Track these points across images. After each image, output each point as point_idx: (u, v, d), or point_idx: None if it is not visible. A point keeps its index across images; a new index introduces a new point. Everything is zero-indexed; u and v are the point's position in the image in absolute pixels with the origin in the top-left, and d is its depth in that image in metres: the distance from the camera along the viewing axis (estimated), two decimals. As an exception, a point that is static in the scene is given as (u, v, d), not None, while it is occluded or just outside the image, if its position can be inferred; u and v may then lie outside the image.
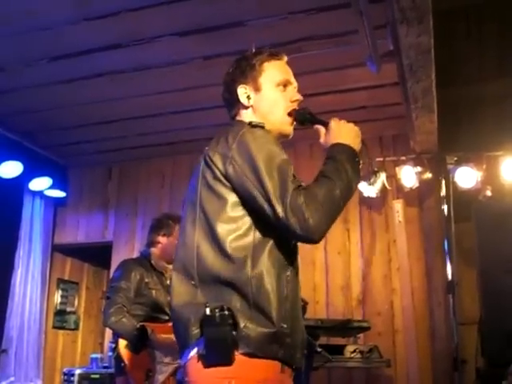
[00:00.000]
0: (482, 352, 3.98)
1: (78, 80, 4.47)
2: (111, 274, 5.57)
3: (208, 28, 3.80)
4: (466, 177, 4.79)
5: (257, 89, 1.93)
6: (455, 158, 4.85)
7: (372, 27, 3.28)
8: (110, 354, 5.38)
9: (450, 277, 4.79)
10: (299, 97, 1.98)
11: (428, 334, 4.86)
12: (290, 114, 1.95)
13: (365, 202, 5.18)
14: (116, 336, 3.67)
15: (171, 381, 3.64)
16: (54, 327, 6.30)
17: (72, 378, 5.21)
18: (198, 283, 1.67)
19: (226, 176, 1.70)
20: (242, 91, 1.94)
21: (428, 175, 5.02)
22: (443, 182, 4.98)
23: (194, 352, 1.61)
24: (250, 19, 3.71)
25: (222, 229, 1.68)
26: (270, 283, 1.64)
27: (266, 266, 1.65)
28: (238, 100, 1.95)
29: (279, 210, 1.59)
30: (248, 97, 1.93)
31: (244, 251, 1.65)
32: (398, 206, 5.18)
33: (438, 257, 4.97)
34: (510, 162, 4.69)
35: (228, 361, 1.55)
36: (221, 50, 4.02)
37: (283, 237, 1.71)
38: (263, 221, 1.67)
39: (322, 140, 1.90)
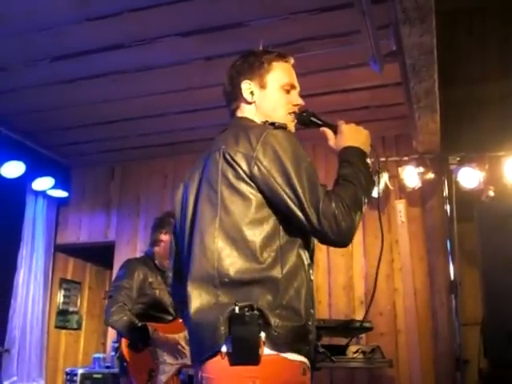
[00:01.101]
0: (484, 352, 3.98)
1: (80, 80, 4.48)
2: (114, 274, 5.59)
3: (210, 28, 3.79)
4: (469, 177, 4.79)
5: (262, 86, 1.93)
6: (458, 159, 4.85)
7: (375, 27, 3.27)
8: (113, 353, 5.39)
9: (452, 277, 4.79)
10: (301, 102, 1.99)
11: (430, 334, 4.85)
12: (289, 114, 1.96)
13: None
14: (119, 336, 3.67)
15: (174, 381, 3.65)
16: (57, 327, 6.31)
17: (74, 378, 5.21)
18: (220, 285, 1.64)
19: (250, 177, 1.69)
20: (246, 86, 1.93)
21: (430, 175, 5.01)
22: (446, 182, 4.98)
23: (219, 350, 1.59)
24: (252, 19, 3.70)
25: (249, 230, 1.66)
26: (298, 282, 1.67)
27: (293, 266, 1.68)
28: (241, 94, 1.94)
29: (313, 217, 1.61)
30: (251, 92, 1.92)
31: (272, 252, 1.66)
32: (400, 206, 5.17)
33: (440, 257, 4.97)
34: (512, 163, 4.69)
35: (254, 361, 1.55)
36: (223, 50, 4.02)
37: (306, 237, 1.75)
38: (289, 222, 1.69)
39: (330, 143, 1.91)
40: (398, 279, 5.04)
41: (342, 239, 1.64)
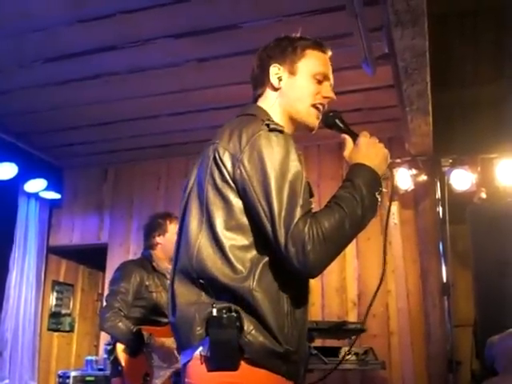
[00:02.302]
0: (476, 354, 3.99)
1: (73, 81, 4.47)
2: (107, 276, 5.57)
3: (203, 30, 3.80)
4: (461, 179, 4.81)
5: (292, 72, 1.80)
6: (450, 161, 4.87)
7: (367, 30, 3.28)
8: (105, 356, 5.37)
9: (444, 279, 4.80)
10: (333, 95, 1.85)
11: (423, 336, 4.86)
12: (314, 107, 1.82)
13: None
14: (114, 340, 3.66)
15: None
16: (49, 329, 6.29)
17: (67, 381, 5.19)
18: (200, 285, 1.58)
19: (233, 180, 1.58)
20: (275, 70, 1.80)
21: (423, 177, 5.03)
22: (438, 184, 4.99)
23: (197, 353, 1.52)
24: (245, 22, 3.71)
25: (226, 237, 1.56)
26: (272, 299, 1.53)
27: (269, 281, 1.54)
28: (268, 79, 1.81)
29: (281, 237, 1.46)
30: (279, 78, 1.80)
31: (248, 263, 1.54)
32: (393, 208, 5.19)
33: (433, 259, 4.98)
34: (504, 165, 4.71)
35: (233, 366, 1.47)
36: (216, 52, 4.03)
37: None
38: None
39: (346, 153, 1.75)
40: (390, 281, 5.05)
41: (306, 270, 1.48)
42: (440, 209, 4.95)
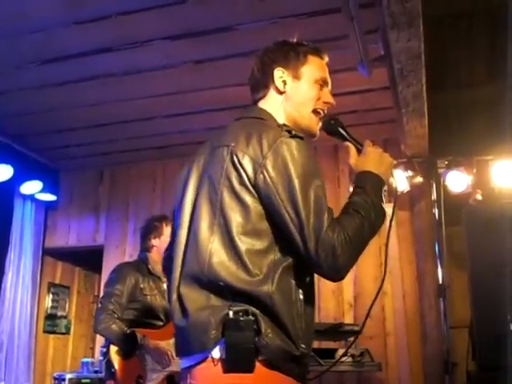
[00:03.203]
0: (472, 355, 3.99)
1: (70, 83, 4.46)
2: (103, 278, 5.56)
3: (199, 32, 3.80)
4: (457, 181, 4.82)
5: (296, 77, 1.84)
6: (446, 162, 4.87)
7: (363, 32, 3.29)
8: (101, 358, 5.35)
9: (440, 280, 4.81)
10: (333, 101, 1.92)
11: (419, 337, 4.87)
12: (315, 112, 1.88)
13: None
14: (108, 342, 3.65)
15: None
16: (45, 331, 6.28)
17: (63, 383, 5.18)
18: (211, 289, 1.57)
19: (254, 185, 1.58)
20: (280, 74, 1.84)
21: (419, 179, 5.03)
22: (434, 185, 5.00)
23: (210, 355, 1.52)
24: (242, 23, 3.71)
25: (243, 242, 1.56)
26: (289, 302, 1.57)
27: (287, 285, 1.58)
28: (272, 82, 1.84)
29: (311, 245, 1.50)
30: (284, 81, 1.83)
31: (265, 267, 1.55)
32: (389, 209, 5.18)
33: (429, 260, 4.99)
34: (500, 166, 4.72)
35: (249, 368, 1.48)
36: (212, 54, 4.03)
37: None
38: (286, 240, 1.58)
39: (351, 161, 1.80)
40: (386, 282, 5.05)
41: (335, 275, 1.56)
42: (436, 210, 4.96)
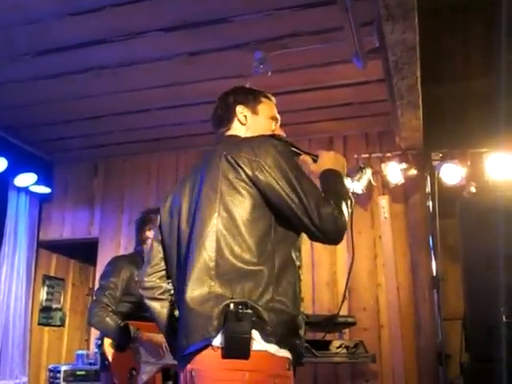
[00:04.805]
0: (465, 347, 4.02)
1: (63, 75, 4.45)
2: (98, 270, 5.56)
3: (193, 24, 3.79)
4: (451, 173, 4.82)
5: (254, 112, 2.15)
6: (440, 155, 4.88)
7: (358, 24, 3.29)
8: (96, 350, 5.37)
9: (434, 273, 4.83)
10: (283, 133, 2.19)
11: (413, 329, 4.89)
12: None
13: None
14: (102, 334, 3.67)
15: (157, 379, 3.64)
16: (40, 324, 6.28)
17: (58, 375, 5.19)
18: (215, 277, 1.75)
19: (252, 179, 1.83)
20: (240, 110, 2.14)
21: (413, 171, 5.04)
22: (428, 178, 5.01)
23: (211, 343, 1.69)
24: (236, 15, 3.70)
25: (246, 228, 1.80)
26: (289, 278, 1.81)
27: (284, 263, 1.81)
28: (235, 117, 2.14)
29: (316, 219, 1.77)
30: (245, 116, 2.14)
31: (266, 249, 1.79)
32: (383, 202, 5.21)
33: (422, 253, 5.00)
34: (494, 159, 4.73)
35: (245, 355, 1.65)
36: (206, 46, 4.02)
37: (296, 238, 1.90)
38: (282, 223, 1.84)
39: (312, 167, 2.06)
40: (381, 275, 5.08)
41: (337, 237, 1.81)
42: (430, 203, 4.97)
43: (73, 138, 5.75)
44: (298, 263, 1.89)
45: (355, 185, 4.99)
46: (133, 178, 6.09)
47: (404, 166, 5.02)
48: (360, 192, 5.03)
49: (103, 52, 4.12)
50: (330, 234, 1.80)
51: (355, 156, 5.13)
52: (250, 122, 2.14)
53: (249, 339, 1.66)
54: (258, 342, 1.68)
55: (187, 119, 5.15)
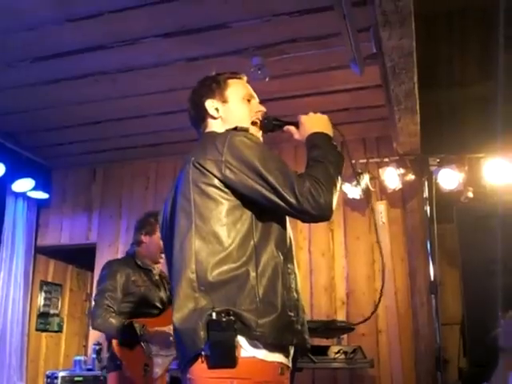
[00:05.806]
0: (464, 352, 4.02)
1: (62, 81, 4.45)
2: (95, 276, 5.55)
3: (192, 30, 3.79)
4: (449, 178, 4.83)
5: (224, 101, 2.08)
6: (438, 160, 4.88)
7: (355, 30, 3.30)
8: (94, 356, 5.36)
9: (432, 278, 4.82)
10: (263, 108, 2.13)
11: (411, 334, 4.89)
12: (253, 123, 2.09)
13: (348, 203, 5.21)
14: (108, 336, 3.67)
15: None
16: (37, 329, 6.26)
17: (55, 381, 5.16)
18: (198, 289, 1.72)
19: (223, 181, 1.79)
20: (210, 104, 2.08)
21: (411, 177, 5.05)
22: (426, 183, 5.01)
23: (201, 353, 1.68)
24: (234, 21, 3.71)
25: (224, 233, 1.76)
26: (272, 275, 1.75)
27: (268, 262, 1.76)
28: (207, 113, 2.08)
29: (292, 199, 1.72)
30: (216, 109, 2.07)
31: (247, 251, 1.75)
32: (381, 207, 5.21)
33: (420, 258, 5.01)
34: (491, 164, 4.74)
35: (231, 363, 1.63)
36: (204, 51, 4.03)
37: (282, 234, 1.85)
38: (263, 220, 1.81)
39: (296, 136, 2.03)
40: (378, 280, 5.07)
41: (322, 213, 1.75)
42: (427, 208, 4.97)
43: (71, 143, 5.74)
44: (282, 257, 1.82)
45: (353, 190, 5.00)
46: (131, 183, 6.09)
47: (401, 171, 5.03)
48: (358, 197, 5.05)
49: (101, 58, 4.13)
50: (314, 211, 1.73)
51: (353, 161, 5.14)
52: (224, 113, 2.07)
53: (233, 347, 1.64)
54: (244, 349, 1.66)
55: (186, 125, 5.06)
